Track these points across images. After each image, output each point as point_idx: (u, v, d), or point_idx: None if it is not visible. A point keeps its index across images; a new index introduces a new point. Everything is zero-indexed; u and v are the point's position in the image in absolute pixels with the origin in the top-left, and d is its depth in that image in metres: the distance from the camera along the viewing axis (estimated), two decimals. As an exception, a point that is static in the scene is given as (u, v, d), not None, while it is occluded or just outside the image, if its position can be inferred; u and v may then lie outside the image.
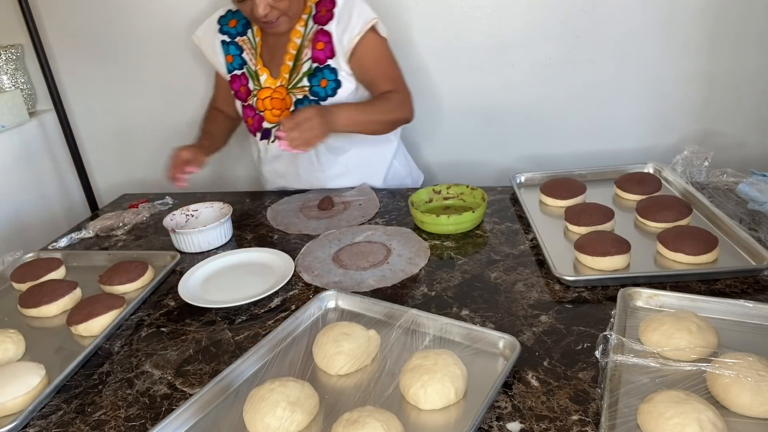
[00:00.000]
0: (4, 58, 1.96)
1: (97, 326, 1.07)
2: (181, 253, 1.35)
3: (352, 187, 1.61)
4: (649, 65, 1.77)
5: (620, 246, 1.10)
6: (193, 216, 1.46)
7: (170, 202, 1.66)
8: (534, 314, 1.01)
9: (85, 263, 1.35)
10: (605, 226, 1.22)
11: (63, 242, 1.46)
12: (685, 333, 0.84)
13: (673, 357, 0.84)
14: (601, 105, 1.84)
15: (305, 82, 1.49)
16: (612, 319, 0.92)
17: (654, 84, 1.80)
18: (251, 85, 1.55)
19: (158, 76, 2.03)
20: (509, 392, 0.84)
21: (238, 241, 1.40)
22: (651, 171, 1.48)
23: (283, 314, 1.08)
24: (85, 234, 1.50)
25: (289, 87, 1.51)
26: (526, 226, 1.31)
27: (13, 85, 2.00)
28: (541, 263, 1.16)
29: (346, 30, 1.44)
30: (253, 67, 1.55)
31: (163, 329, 1.09)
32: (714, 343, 0.85)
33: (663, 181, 1.42)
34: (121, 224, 1.52)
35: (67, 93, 2.08)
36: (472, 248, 1.25)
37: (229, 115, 1.70)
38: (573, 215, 1.25)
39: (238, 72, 1.56)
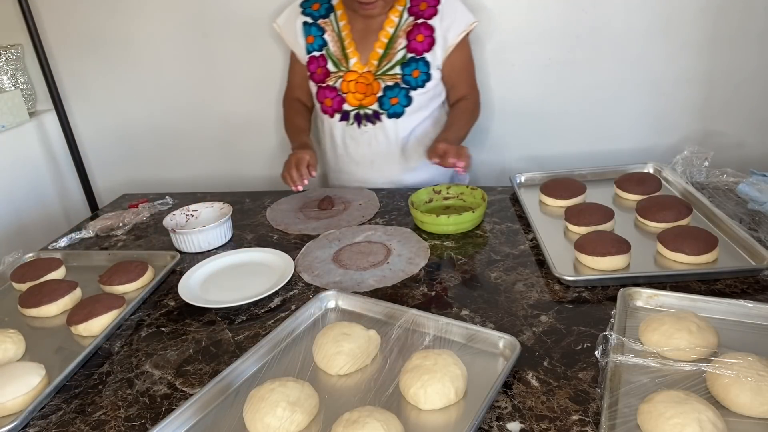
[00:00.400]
0: (4, 58, 1.95)
1: (97, 326, 1.06)
2: (181, 253, 1.35)
3: (352, 188, 1.62)
4: (649, 65, 1.77)
5: (620, 246, 1.10)
6: (193, 216, 1.46)
7: (170, 202, 1.66)
8: (534, 314, 1.01)
9: (85, 263, 1.35)
10: (605, 226, 1.22)
11: (63, 242, 1.46)
12: (685, 333, 0.84)
13: (673, 357, 0.84)
14: (601, 105, 1.84)
15: (397, 70, 1.53)
16: (612, 319, 0.92)
17: (654, 84, 1.80)
18: (331, 67, 1.57)
19: (158, 75, 2.03)
20: (509, 392, 0.84)
21: (238, 241, 1.40)
22: (651, 171, 1.48)
23: (283, 314, 1.08)
24: (85, 234, 1.50)
25: (378, 73, 1.54)
26: (526, 226, 1.31)
27: (13, 85, 2.00)
28: (541, 263, 1.16)
29: (451, 27, 1.52)
30: (333, 49, 1.57)
31: (163, 329, 1.09)
32: (714, 343, 0.85)
33: (663, 181, 1.42)
34: (121, 224, 1.52)
35: (67, 93, 2.08)
36: (472, 248, 1.25)
37: (307, 105, 1.73)
38: (573, 215, 1.25)
39: (316, 53, 1.58)
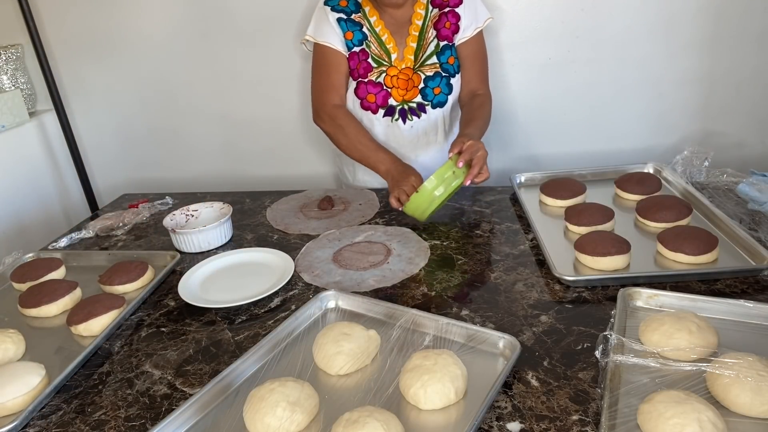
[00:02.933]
0: (4, 58, 1.95)
1: (97, 326, 1.06)
2: (181, 253, 1.35)
3: (351, 188, 1.62)
4: (649, 65, 1.77)
5: (620, 246, 1.10)
6: (193, 216, 1.46)
7: (170, 202, 1.65)
8: (534, 314, 1.01)
9: (85, 263, 1.35)
10: (605, 226, 1.22)
11: (63, 242, 1.46)
12: (685, 333, 0.84)
13: (673, 357, 0.84)
14: (601, 105, 1.84)
15: (434, 59, 1.54)
16: (612, 319, 0.92)
17: (654, 84, 1.80)
18: (372, 62, 1.54)
19: (158, 75, 2.03)
20: (509, 392, 0.84)
21: (238, 241, 1.40)
22: (651, 171, 1.48)
23: (283, 314, 1.08)
24: (85, 234, 1.50)
25: (416, 66, 1.54)
26: (526, 226, 1.31)
27: (13, 85, 2.00)
28: (541, 263, 1.16)
29: (474, 16, 1.54)
30: (374, 45, 1.54)
31: (163, 329, 1.09)
32: (714, 343, 0.85)
33: (663, 181, 1.42)
34: (121, 224, 1.52)
35: (67, 93, 2.08)
36: (472, 248, 1.25)
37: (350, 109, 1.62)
38: (573, 215, 1.25)
39: (357, 49, 1.54)
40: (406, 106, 1.56)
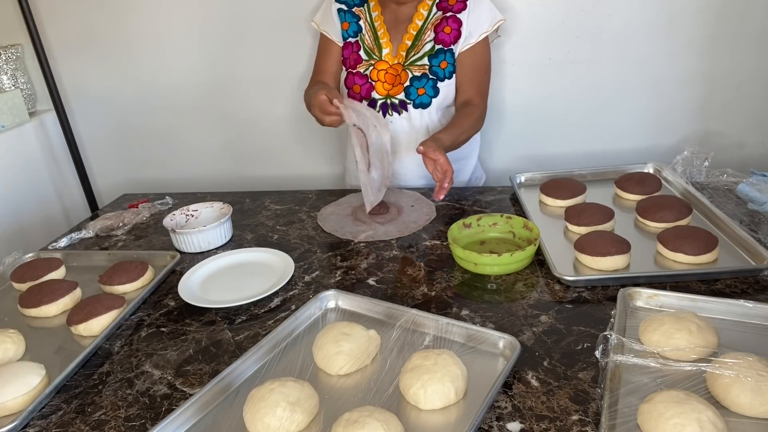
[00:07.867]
0: (4, 58, 1.95)
1: (97, 326, 1.06)
2: (181, 253, 1.35)
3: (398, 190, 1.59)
4: (649, 65, 1.77)
5: (620, 246, 1.10)
6: (193, 216, 1.46)
7: (170, 202, 1.65)
8: (534, 314, 1.01)
9: (85, 263, 1.35)
10: (605, 226, 1.22)
11: (63, 242, 1.46)
12: (685, 333, 0.84)
13: (673, 357, 0.84)
14: (601, 105, 1.84)
15: (425, 61, 1.54)
16: (612, 319, 0.92)
17: (654, 84, 1.80)
18: (363, 54, 1.58)
19: (158, 75, 2.03)
20: (509, 392, 0.84)
21: (238, 241, 1.40)
22: (651, 171, 1.48)
23: (283, 314, 1.08)
24: (85, 234, 1.50)
25: (406, 64, 1.55)
26: (526, 226, 1.31)
27: (13, 85, 2.00)
28: (541, 263, 1.16)
29: (477, 23, 1.53)
30: (366, 37, 1.58)
31: (163, 329, 1.09)
32: (714, 343, 0.85)
33: (663, 181, 1.42)
34: (121, 224, 1.52)
35: (67, 93, 2.08)
36: (472, 248, 1.25)
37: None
38: (573, 215, 1.25)
39: (351, 39, 1.59)
40: (388, 101, 1.57)
